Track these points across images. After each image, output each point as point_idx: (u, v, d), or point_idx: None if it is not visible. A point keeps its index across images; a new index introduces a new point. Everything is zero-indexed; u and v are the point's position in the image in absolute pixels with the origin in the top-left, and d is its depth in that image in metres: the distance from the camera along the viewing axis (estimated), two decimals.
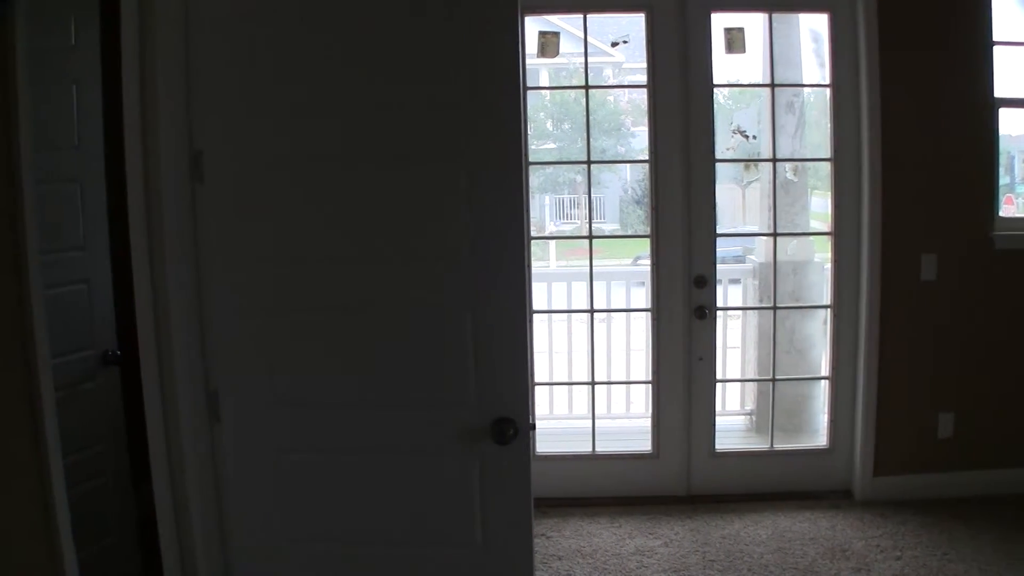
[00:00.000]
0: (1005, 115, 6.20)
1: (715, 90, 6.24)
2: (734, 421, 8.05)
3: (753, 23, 6.58)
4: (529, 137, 5.46)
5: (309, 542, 3.58)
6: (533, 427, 3.35)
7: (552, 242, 10.77)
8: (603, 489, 6.60)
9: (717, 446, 6.61)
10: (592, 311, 6.71)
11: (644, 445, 6.68)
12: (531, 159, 6.10)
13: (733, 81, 8.38)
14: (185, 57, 3.47)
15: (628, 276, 8.95)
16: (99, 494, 5.24)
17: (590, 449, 6.71)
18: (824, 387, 7.04)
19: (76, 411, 4.86)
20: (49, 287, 2.48)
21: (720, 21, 6.30)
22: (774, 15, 6.51)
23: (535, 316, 6.73)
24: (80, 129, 5.10)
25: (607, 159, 8.54)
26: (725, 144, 8.96)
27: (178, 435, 3.63)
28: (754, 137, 8.95)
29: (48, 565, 2.46)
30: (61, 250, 4.84)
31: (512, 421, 3.24)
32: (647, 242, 6.45)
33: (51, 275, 2.48)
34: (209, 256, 3.48)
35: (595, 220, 6.71)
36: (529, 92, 5.97)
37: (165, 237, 3.53)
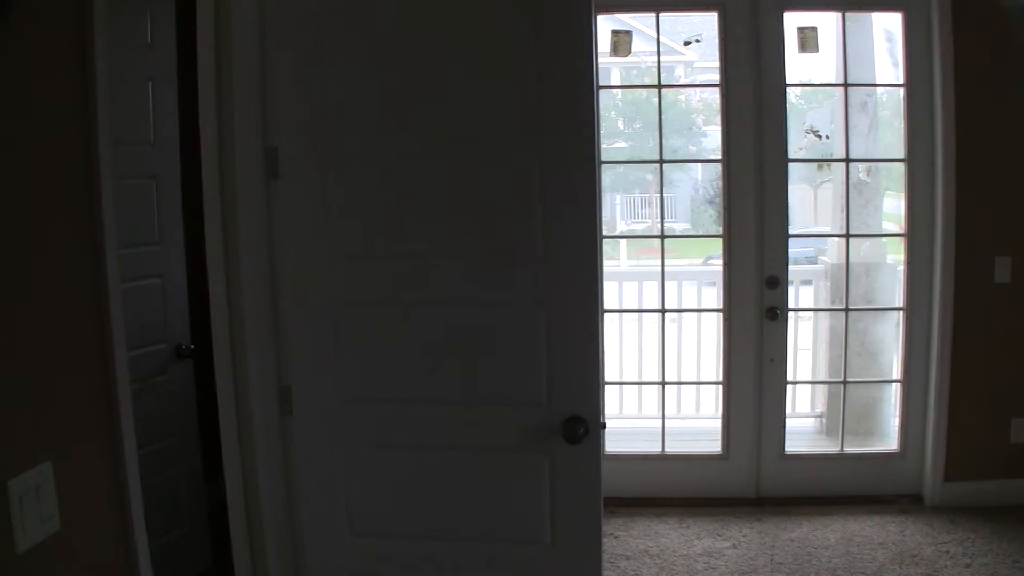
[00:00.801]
0: None
1: (788, 89, 6.21)
2: (804, 423, 7.98)
3: (826, 22, 6.54)
4: (601, 136, 5.46)
5: (377, 537, 3.61)
6: (604, 426, 3.34)
7: (623, 241, 10.77)
8: (672, 489, 6.58)
9: (787, 448, 6.56)
10: (663, 311, 6.70)
11: (713, 446, 6.65)
12: (603, 158, 6.10)
13: (806, 80, 8.32)
14: (261, 54, 3.51)
15: (699, 276, 8.92)
16: (171, 485, 5.31)
17: (659, 449, 6.70)
18: (895, 390, 6.99)
19: (149, 404, 4.93)
20: (124, 281, 2.51)
21: (793, 20, 6.26)
22: (847, 14, 6.45)
23: (606, 315, 6.72)
24: (156, 126, 5.17)
25: (679, 158, 8.54)
26: (798, 144, 8.91)
27: (250, 429, 3.67)
28: (827, 137, 8.89)
29: (121, 554, 2.50)
30: (137, 245, 4.91)
31: (583, 420, 3.24)
32: (719, 242, 6.43)
33: (126, 269, 2.51)
34: (283, 251, 3.51)
35: (666, 219, 6.68)
36: (601, 91, 5.97)
37: (240, 232, 3.57)
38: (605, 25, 6.58)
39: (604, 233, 6.55)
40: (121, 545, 2.51)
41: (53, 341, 2.24)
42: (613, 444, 6.57)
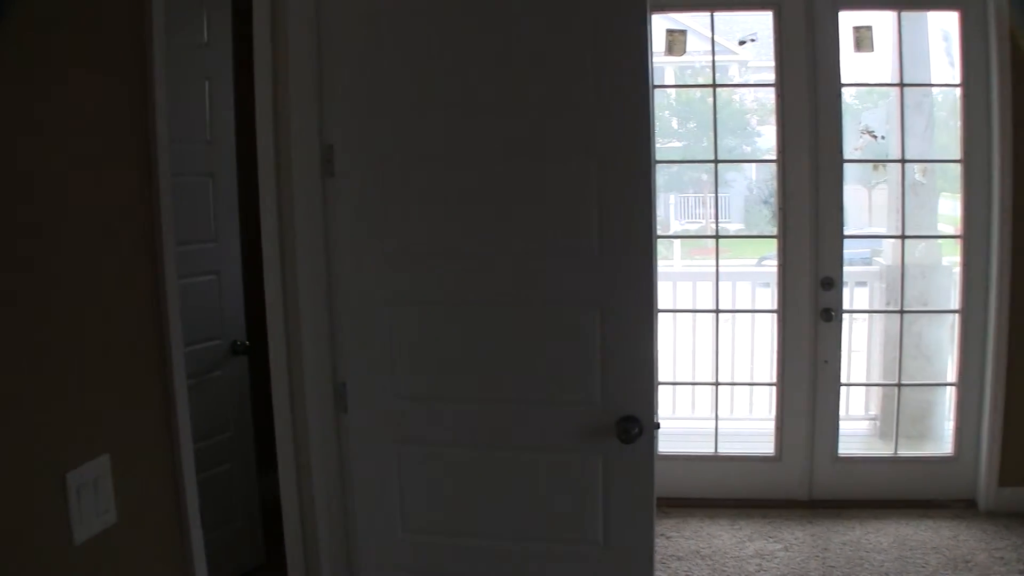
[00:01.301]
0: None
1: (843, 89, 6.17)
2: (857, 426, 7.93)
3: (881, 21, 6.49)
4: (655, 135, 5.46)
5: (430, 535, 3.62)
6: (658, 426, 3.34)
7: (677, 241, 10.75)
8: (724, 490, 6.55)
9: (840, 451, 6.51)
10: (717, 311, 6.68)
11: (766, 447, 6.61)
12: (657, 157, 6.09)
13: (861, 80, 8.26)
14: (317, 53, 3.52)
15: (753, 276, 8.87)
16: (225, 480, 5.35)
17: (712, 450, 6.67)
18: (950, 393, 6.92)
19: (205, 399, 4.97)
20: (181, 277, 2.53)
21: (848, 19, 6.21)
22: (903, 13, 6.40)
23: (659, 315, 6.72)
24: (212, 124, 5.21)
25: (733, 158, 8.51)
26: (853, 144, 8.84)
27: (305, 425, 3.69)
28: (882, 137, 8.82)
29: (177, 548, 2.52)
30: (193, 242, 4.95)
31: (637, 420, 3.23)
32: (773, 242, 6.40)
33: (183, 266, 2.53)
34: (338, 249, 3.53)
35: (720, 219, 6.67)
36: (655, 90, 5.96)
37: (295, 230, 3.59)
38: (660, 24, 6.56)
39: (658, 233, 6.55)
40: (176, 539, 2.53)
41: (114, 336, 2.27)
42: (665, 444, 6.56)
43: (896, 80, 6.67)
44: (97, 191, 2.21)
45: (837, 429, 6.48)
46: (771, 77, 6.28)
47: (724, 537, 5.97)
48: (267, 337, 3.75)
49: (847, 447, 6.67)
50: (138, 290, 2.36)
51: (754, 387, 8.17)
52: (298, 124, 3.55)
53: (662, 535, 5.93)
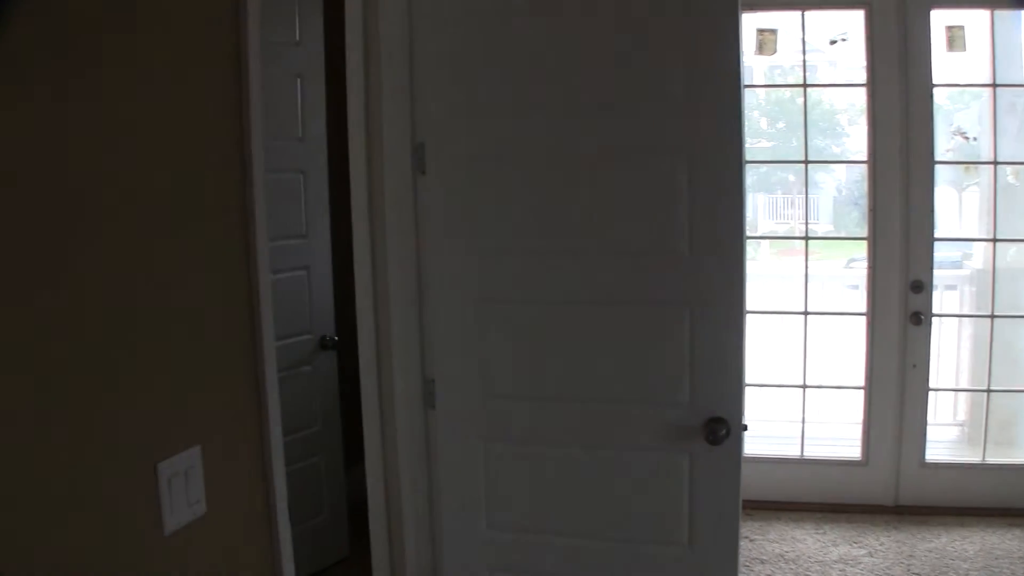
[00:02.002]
0: None
1: (934, 90, 6.09)
2: (945, 431, 7.82)
3: (974, 20, 6.40)
4: (745, 135, 5.42)
5: (515, 532, 3.62)
6: (745, 428, 3.32)
7: (764, 242, 10.65)
8: (809, 494, 6.49)
9: (927, 456, 6.42)
10: (806, 313, 6.62)
11: (852, 451, 6.55)
12: (747, 158, 6.05)
13: (953, 80, 8.14)
14: (408, 51, 3.54)
15: (840, 279, 8.78)
16: (312, 474, 5.40)
17: (798, 453, 6.62)
18: None
19: (294, 393, 5.02)
20: (273, 272, 2.55)
21: (940, 18, 6.12)
22: (996, 12, 6.30)
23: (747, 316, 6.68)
24: (304, 121, 5.26)
25: (823, 159, 8.44)
26: (944, 145, 8.72)
27: (392, 420, 3.71)
28: (974, 139, 8.69)
29: (264, 541, 2.54)
30: (285, 237, 5.01)
31: (725, 421, 3.22)
32: (862, 244, 6.33)
33: (275, 261, 2.56)
34: (428, 246, 3.55)
35: (809, 221, 6.61)
36: (745, 90, 5.92)
37: (386, 227, 3.61)
38: (750, 23, 6.52)
39: (747, 234, 6.51)
40: (264, 531, 2.55)
41: (207, 330, 2.29)
42: (750, 446, 6.50)
43: (989, 80, 6.55)
44: (193, 188, 2.24)
45: (924, 434, 6.39)
46: (862, 77, 6.21)
47: (808, 541, 5.92)
48: (356, 333, 3.78)
49: (934, 453, 6.58)
50: (232, 285, 2.39)
51: (837, 390, 8.09)
52: (390, 122, 3.57)
53: (746, 537, 5.90)
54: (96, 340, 1.91)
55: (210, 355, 2.31)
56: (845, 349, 7.79)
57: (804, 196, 6.65)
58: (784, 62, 6.60)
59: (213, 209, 2.33)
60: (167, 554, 2.14)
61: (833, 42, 7.28)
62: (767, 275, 9.37)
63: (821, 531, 6.06)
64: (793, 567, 5.56)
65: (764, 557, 5.68)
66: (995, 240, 6.64)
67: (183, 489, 2.18)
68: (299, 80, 5.27)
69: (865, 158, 6.23)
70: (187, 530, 2.19)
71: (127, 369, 2.00)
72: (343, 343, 5.46)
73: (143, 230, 2.06)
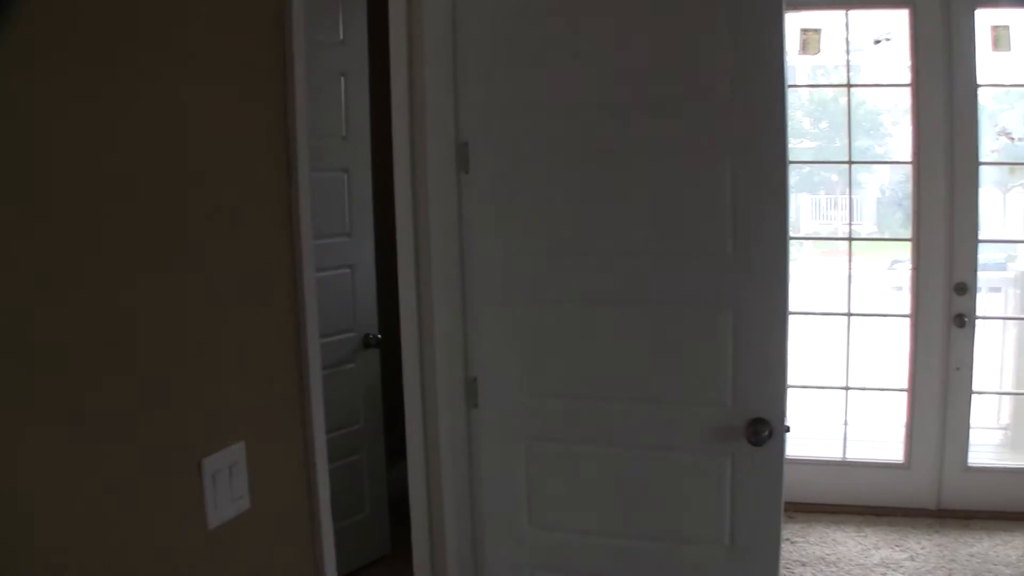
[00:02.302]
0: None
1: (979, 90, 6.05)
2: (988, 435, 7.76)
3: (1020, 20, 6.36)
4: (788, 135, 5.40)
5: (556, 531, 3.63)
6: (788, 429, 3.31)
7: (807, 242, 10.61)
8: (850, 496, 6.46)
9: (969, 460, 6.38)
10: (849, 315, 6.60)
11: (894, 454, 6.52)
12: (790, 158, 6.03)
13: (998, 80, 8.09)
14: (452, 50, 3.55)
15: (884, 280, 8.74)
16: (354, 471, 5.43)
17: (840, 455, 6.59)
18: None
19: (337, 390, 5.04)
20: (316, 270, 2.57)
21: (985, 18, 6.09)
22: None
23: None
24: (348, 120, 5.28)
25: (867, 159, 8.40)
26: (989, 146, 8.67)
27: (435, 418, 3.72)
28: (1020, 139, 8.63)
29: (307, 537, 2.55)
30: (329, 236, 5.03)
31: (767, 422, 3.22)
32: (905, 246, 6.31)
33: (318, 259, 2.57)
34: (472, 245, 3.56)
35: (852, 221, 6.60)
36: (788, 89, 5.90)
37: (429, 226, 3.62)
38: (794, 22, 6.50)
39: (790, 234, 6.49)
40: (307, 528, 2.56)
41: (252, 327, 2.30)
42: (791, 447, 6.47)
43: None
44: (239, 186, 2.26)
45: (967, 438, 6.34)
46: (906, 77, 6.19)
47: (849, 544, 5.90)
48: (399, 331, 3.79)
49: (977, 456, 6.53)
50: (277, 282, 2.40)
51: (877, 393, 8.05)
52: (433, 121, 3.58)
53: (787, 540, 5.88)
54: (144, 337, 1.92)
55: (255, 352, 2.32)
56: (888, 351, 7.75)
57: (848, 197, 6.62)
58: (828, 62, 6.58)
59: (259, 207, 2.34)
60: (210, 549, 2.15)
61: (877, 42, 7.25)
62: (810, 276, 9.35)
63: (862, 534, 6.03)
64: (834, 570, 5.54)
65: (805, 559, 5.66)
66: None
67: (227, 485, 2.18)
68: (343, 79, 5.30)
69: (909, 159, 6.20)
70: (230, 525, 2.20)
71: (173, 365, 2.01)
72: (386, 341, 5.49)
73: (192, 229, 2.07)
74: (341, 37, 5.32)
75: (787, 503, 3.51)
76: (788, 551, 5.73)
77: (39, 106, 1.62)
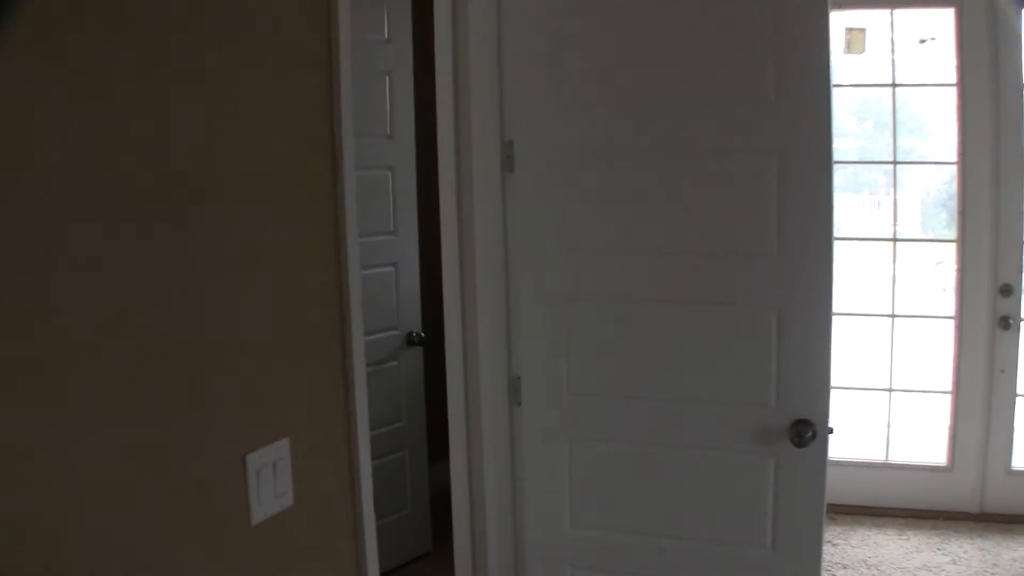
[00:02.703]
0: None
1: None
2: None
3: None
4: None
5: (597, 530, 3.63)
6: (831, 430, 3.29)
7: (851, 243, 10.54)
8: (892, 499, 6.42)
9: (1013, 464, 6.31)
10: (893, 316, 6.56)
11: (937, 457, 6.47)
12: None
13: None
14: (497, 48, 3.55)
15: (928, 281, 8.66)
16: (396, 468, 5.46)
17: (882, 457, 6.56)
18: None
19: (380, 388, 5.06)
20: (362, 268, 2.58)
21: None
22: None
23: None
24: (393, 118, 5.31)
25: (911, 159, 8.33)
26: None
27: (478, 416, 3.72)
28: None
29: (349, 533, 2.56)
30: (373, 234, 5.06)
31: (811, 424, 3.20)
32: (950, 247, 6.27)
33: (363, 257, 2.58)
34: (516, 244, 3.57)
35: (897, 222, 6.55)
36: (832, 89, 5.85)
37: (474, 225, 3.63)
38: (838, 21, 6.47)
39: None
40: (349, 524, 2.57)
41: (297, 324, 2.32)
42: (832, 449, 6.44)
43: None
44: (285, 184, 2.27)
45: (1012, 441, 6.27)
46: (951, 77, 6.14)
47: (891, 547, 5.87)
48: (442, 329, 3.80)
49: (1021, 460, 6.47)
50: (323, 280, 2.41)
51: (928, 395, 7.99)
52: (478, 119, 3.59)
53: (828, 542, 5.85)
54: (192, 334, 1.94)
55: (300, 349, 2.33)
56: (932, 353, 7.69)
57: (892, 197, 6.58)
58: (872, 61, 6.53)
59: (306, 206, 2.35)
60: (253, 544, 2.16)
61: (922, 41, 7.20)
62: (853, 277, 9.29)
63: (904, 537, 6.00)
64: (875, 573, 5.52)
65: (846, 562, 5.64)
66: None
67: (271, 481, 2.20)
68: (388, 77, 5.32)
69: (954, 159, 6.16)
70: (273, 521, 2.21)
71: (219, 361, 2.03)
72: (429, 339, 5.51)
73: (241, 226, 2.09)
74: (386, 36, 5.34)
75: (829, 505, 3.50)
76: (829, 553, 5.71)
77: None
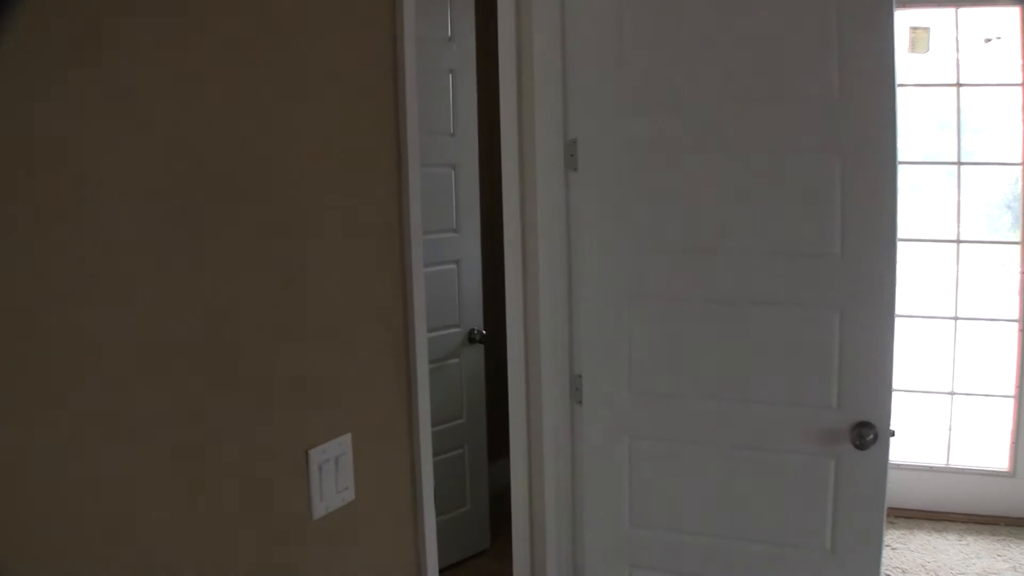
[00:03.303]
0: None
1: None
2: None
3: None
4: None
5: (656, 530, 3.62)
6: (893, 433, 3.27)
7: (913, 244, 10.44)
8: (953, 504, 6.36)
9: None
10: (956, 318, 6.50)
11: (999, 462, 6.40)
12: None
13: None
14: (561, 46, 3.56)
15: (991, 283, 8.58)
16: (456, 465, 5.47)
17: (943, 461, 6.50)
18: None
19: (441, 385, 5.09)
20: (424, 265, 2.59)
21: None
22: None
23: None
24: (456, 116, 5.32)
25: (975, 160, 8.27)
26: None
27: (539, 415, 3.74)
28: None
29: (409, 530, 2.57)
30: (436, 231, 5.08)
31: (872, 426, 3.18)
32: (1014, 249, 6.21)
33: (426, 254, 2.59)
34: (579, 242, 3.57)
35: (960, 223, 6.50)
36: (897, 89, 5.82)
37: (537, 223, 3.64)
38: (903, 21, 6.41)
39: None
40: (410, 520, 2.58)
41: (362, 321, 2.33)
42: (892, 452, 6.39)
43: None
44: (351, 179, 2.28)
45: None
46: (1017, 77, 6.08)
47: (951, 552, 5.81)
48: (503, 327, 3.81)
49: None
50: (387, 276, 2.43)
51: (990, 399, 7.92)
52: (542, 118, 3.60)
53: (887, 546, 5.81)
54: (260, 330, 1.96)
55: (364, 345, 2.34)
56: (995, 356, 7.61)
57: (956, 198, 6.53)
58: (936, 60, 6.48)
59: (371, 203, 2.36)
60: (314, 539, 2.17)
61: (987, 40, 7.14)
62: (916, 278, 9.20)
63: (964, 542, 5.94)
64: None
65: (905, 566, 5.59)
66: None
67: (332, 476, 2.21)
68: (451, 75, 5.34)
69: (1019, 160, 6.10)
70: (335, 516, 2.22)
71: (286, 357, 2.04)
72: (490, 337, 5.52)
73: (311, 224, 2.11)
74: (449, 34, 5.36)
75: (888, 508, 3.48)
76: (888, 557, 5.66)
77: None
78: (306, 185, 2.09)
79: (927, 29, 6.35)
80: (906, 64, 6.47)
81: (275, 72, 1.99)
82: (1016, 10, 5.98)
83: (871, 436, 3.17)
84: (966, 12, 6.30)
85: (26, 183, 1.41)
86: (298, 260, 2.07)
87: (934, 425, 6.96)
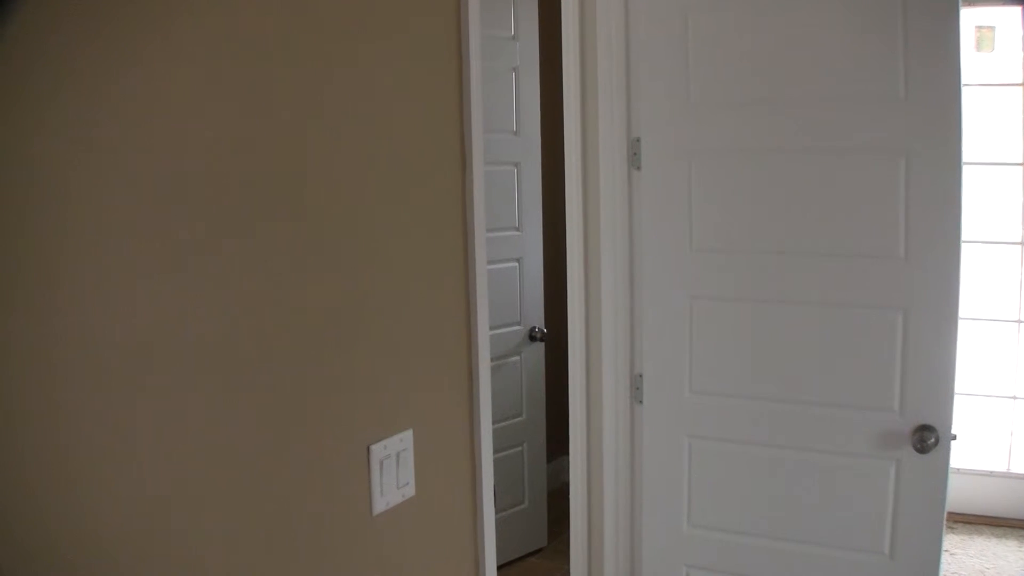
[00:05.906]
0: None
1: None
2: None
3: None
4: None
5: (715, 531, 3.62)
6: (955, 437, 3.25)
7: (977, 246, 10.33)
8: (1014, 510, 6.28)
9: None
10: (1020, 322, 6.42)
11: None
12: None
13: None
14: (625, 45, 3.57)
15: None
16: (515, 463, 5.48)
17: (1004, 467, 6.44)
18: None
19: (502, 382, 5.10)
20: (487, 263, 2.59)
21: None
22: None
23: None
24: (518, 114, 5.33)
25: None
26: None
27: (599, 413, 3.74)
28: None
29: (468, 527, 2.58)
30: (499, 229, 5.09)
31: (934, 429, 3.16)
32: None
33: (488, 252, 2.59)
34: (641, 241, 3.57)
35: None
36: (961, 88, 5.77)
37: (600, 222, 3.64)
38: (968, 20, 6.35)
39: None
40: (469, 517, 2.58)
41: (426, 316, 2.34)
42: (952, 456, 6.34)
43: None
44: (418, 178, 2.29)
45: None
46: None
47: (1010, 559, 5.76)
48: (564, 325, 3.82)
49: None
50: (450, 274, 2.43)
51: None
52: (605, 116, 3.60)
53: (946, 551, 5.74)
54: (325, 326, 1.97)
55: (426, 342, 2.35)
56: None
57: (1021, 200, 6.45)
58: (1001, 60, 6.42)
59: (436, 200, 2.37)
60: (374, 534, 2.17)
61: None
62: (979, 280, 9.10)
63: None
64: None
65: (963, 572, 5.55)
66: None
67: (393, 471, 2.21)
68: (514, 73, 5.35)
69: None
70: (395, 511, 2.22)
71: (349, 352, 2.05)
72: (551, 335, 5.53)
73: (379, 222, 2.12)
74: (512, 32, 5.37)
75: (948, 513, 3.46)
76: (947, 562, 5.61)
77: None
78: (374, 181, 2.11)
79: (992, 28, 6.30)
80: (971, 63, 6.42)
81: (346, 81, 2.00)
82: None
83: (932, 440, 3.15)
84: None
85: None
86: (364, 255, 2.09)
87: (996, 430, 6.90)
